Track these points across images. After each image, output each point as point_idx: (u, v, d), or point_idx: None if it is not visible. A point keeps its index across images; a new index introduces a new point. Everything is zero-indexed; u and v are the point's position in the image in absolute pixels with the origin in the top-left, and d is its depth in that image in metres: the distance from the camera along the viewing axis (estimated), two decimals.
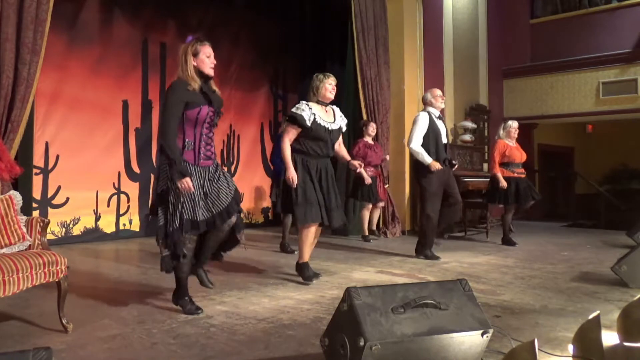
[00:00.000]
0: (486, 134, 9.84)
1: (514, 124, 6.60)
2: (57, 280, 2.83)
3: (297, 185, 3.99)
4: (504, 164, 6.47)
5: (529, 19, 10.38)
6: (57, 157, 6.21)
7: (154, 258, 5.36)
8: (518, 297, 3.72)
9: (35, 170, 5.95)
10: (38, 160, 6.03)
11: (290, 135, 4.07)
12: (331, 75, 4.22)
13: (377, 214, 7.20)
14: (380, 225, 7.37)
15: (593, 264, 5.14)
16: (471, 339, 2.21)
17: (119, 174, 6.84)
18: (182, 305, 3.22)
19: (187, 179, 2.99)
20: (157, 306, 3.39)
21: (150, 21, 7.10)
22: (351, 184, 6.81)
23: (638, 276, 4.01)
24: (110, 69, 6.69)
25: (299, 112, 4.04)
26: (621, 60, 9.12)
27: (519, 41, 10.26)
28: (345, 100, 7.35)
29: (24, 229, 2.98)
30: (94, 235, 6.52)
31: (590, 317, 2.18)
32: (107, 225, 6.70)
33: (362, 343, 2.02)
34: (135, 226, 6.96)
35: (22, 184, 4.90)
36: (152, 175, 7.17)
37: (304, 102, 4.14)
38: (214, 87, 3.26)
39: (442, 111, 5.46)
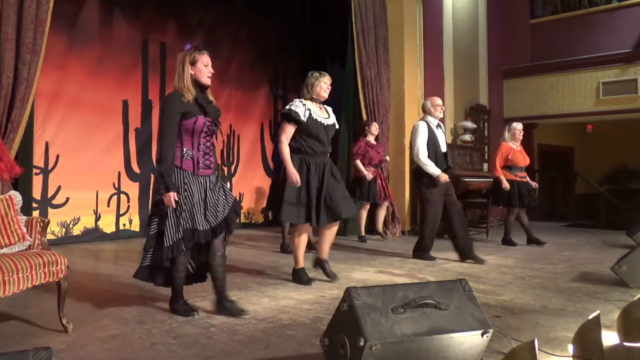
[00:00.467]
0: (486, 134, 9.84)
1: (518, 126, 6.58)
2: (57, 280, 2.83)
3: (289, 184, 3.94)
4: (507, 167, 6.46)
5: (529, 19, 10.37)
6: (57, 157, 6.21)
7: None
8: (518, 297, 3.72)
9: (35, 170, 5.94)
10: (38, 160, 6.03)
11: (287, 134, 4.01)
12: (327, 74, 4.21)
13: (382, 214, 7.13)
14: (380, 226, 7.35)
15: (593, 264, 5.14)
16: (471, 339, 2.21)
17: (119, 174, 6.84)
18: (176, 308, 3.21)
19: (172, 194, 2.98)
20: (157, 306, 3.38)
21: (150, 21, 7.10)
22: (351, 184, 6.79)
23: (638, 276, 4.01)
24: (110, 69, 6.69)
25: (293, 108, 4.01)
26: (621, 60, 9.12)
27: (519, 41, 10.26)
28: (345, 100, 7.36)
29: (24, 229, 2.98)
30: (94, 235, 6.52)
31: (590, 317, 2.18)
32: (107, 225, 6.70)
33: (362, 343, 2.02)
34: (135, 226, 6.96)
35: (22, 184, 4.89)
36: (152, 175, 7.17)
37: (297, 99, 4.13)
38: (211, 98, 3.25)
39: (441, 119, 5.47)
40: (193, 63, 3.14)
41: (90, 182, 6.50)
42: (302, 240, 4.18)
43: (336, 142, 6.44)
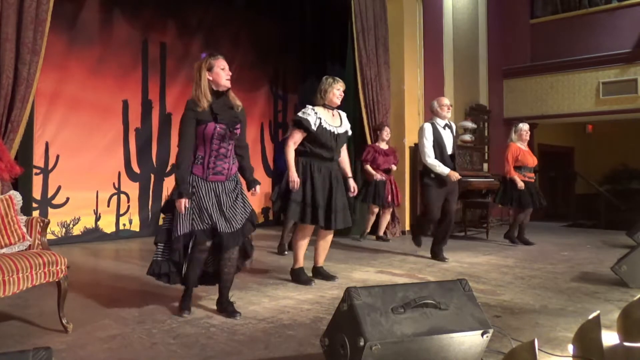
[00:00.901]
0: (486, 134, 9.84)
1: (524, 127, 6.61)
2: (57, 280, 2.83)
3: (304, 185, 4.01)
4: (517, 168, 6.48)
5: (529, 19, 10.36)
6: (57, 157, 6.21)
7: None
8: (518, 297, 3.72)
9: (35, 170, 5.94)
10: (38, 160, 6.03)
11: (295, 139, 4.09)
12: (340, 80, 4.24)
13: (386, 219, 7.11)
14: (382, 230, 7.33)
15: (593, 264, 5.14)
16: (471, 339, 2.22)
17: (119, 174, 6.84)
18: (184, 307, 3.24)
19: (184, 201, 3.07)
20: (157, 306, 3.39)
21: (150, 21, 7.10)
22: (360, 187, 6.80)
23: (638, 276, 4.01)
24: (110, 69, 6.69)
25: (304, 116, 4.07)
26: (621, 60, 9.11)
27: (519, 41, 10.25)
28: (345, 100, 7.33)
29: (24, 229, 2.98)
30: (94, 235, 6.52)
31: (590, 317, 2.18)
32: (107, 225, 6.70)
33: (362, 343, 2.02)
34: (135, 226, 6.95)
35: (22, 184, 4.89)
36: (152, 175, 7.19)
37: (310, 106, 4.16)
38: (235, 102, 3.28)
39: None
40: (210, 69, 3.19)
41: (90, 182, 6.50)
42: (305, 241, 4.22)
43: None
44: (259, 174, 8.72)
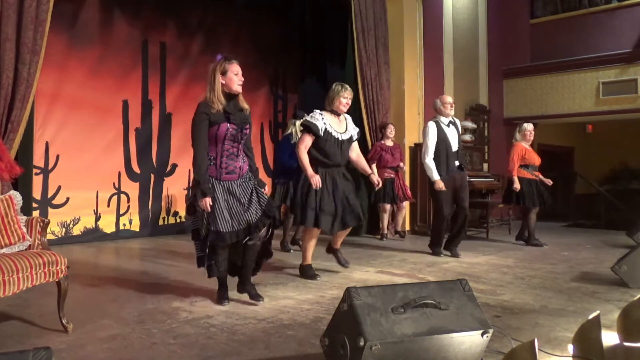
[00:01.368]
0: (486, 134, 9.83)
1: (529, 127, 6.64)
2: (57, 280, 2.83)
3: (313, 190, 4.12)
4: (524, 166, 6.51)
5: (529, 19, 10.35)
6: (57, 157, 6.21)
7: (154, 258, 5.37)
8: (518, 297, 3.72)
9: (35, 170, 5.94)
10: (38, 160, 6.03)
11: (305, 143, 4.22)
12: (349, 89, 4.34)
13: (401, 215, 7.26)
14: (399, 226, 7.38)
15: (593, 264, 5.14)
16: (471, 339, 2.22)
17: (119, 174, 6.84)
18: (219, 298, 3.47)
19: (207, 199, 3.19)
20: (157, 306, 3.39)
21: (150, 21, 7.10)
22: (368, 186, 6.86)
23: (638, 276, 4.01)
24: (110, 69, 6.69)
25: (312, 121, 4.20)
26: (621, 60, 9.10)
27: (519, 41, 10.25)
28: None
29: (24, 229, 2.98)
30: (94, 235, 6.52)
31: (590, 317, 2.18)
32: (107, 225, 6.69)
33: (362, 343, 2.02)
34: (135, 226, 6.95)
35: (22, 184, 4.89)
36: (152, 175, 7.19)
37: (318, 111, 4.29)
38: (243, 105, 3.39)
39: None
40: (224, 73, 3.28)
41: (90, 182, 6.50)
42: (314, 241, 4.38)
43: None
44: (259, 174, 8.71)
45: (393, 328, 2.10)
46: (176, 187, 7.39)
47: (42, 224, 3.06)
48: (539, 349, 1.90)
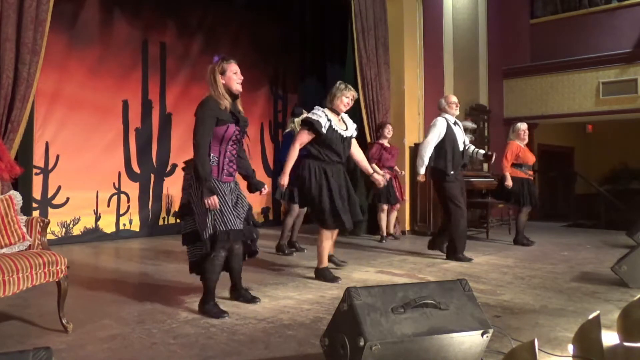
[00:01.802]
0: (486, 134, 9.83)
1: (522, 126, 6.67)
2: (57, 280, 2.83)
3: (325, 190, 4.09)
4: (517, 165, 6.53)
5: (529, 19, 10.36)
6: (57, 157, 6.20)
7: (154, 258, 5.37)
8: (518, 297, 3.72)
9: (35, 170, 5.95)
10: (38, 160, 6.03)
11: (302, 140, 4.15)
12: (352, 89, 4.28)
13: (393, 216, 7.20)
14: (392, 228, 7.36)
15: (593, 264, 5.14)
16: (471, 339, 2.21)
17: (119, 174, 6.84)
18: (207, 310, 3.19)
19: (215, 197, 3.09)
20: (157, 306, 3.39)
21: (150, 21, 7.09)
22: (367, 186, 6.84)
23: (638, 276, 4.01)
24: (110, 69, 6.68)
25: (315, 117, 4.11)
26: (621, 60, 9.11)
27: (519, 41, 10.25)
28: None
29: (24, 229, 2.98)
30: (94, 235, 6.51)
31: (590, 317, 2.18)
32: (107, 225, 6.69)
33: (362, 343, 2.02)
34: (135, 226, 6.95)
35: (22, 184, 4.89)
36: (152, 175, 7.19)
37: (319, 107, 4.22)
38: (240, 107, 3.37)
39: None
40: (222, 73, 3.25)
41: (90, 182, 6.50)
42: (329, 242, 4.34)
43: None
44: (259, 173, 8.70)
45: (393, 328, 2.10)
46: (176, 187, 7.37)
47: (42, 224, 3.05)
48: (539, 349, 1.90)
